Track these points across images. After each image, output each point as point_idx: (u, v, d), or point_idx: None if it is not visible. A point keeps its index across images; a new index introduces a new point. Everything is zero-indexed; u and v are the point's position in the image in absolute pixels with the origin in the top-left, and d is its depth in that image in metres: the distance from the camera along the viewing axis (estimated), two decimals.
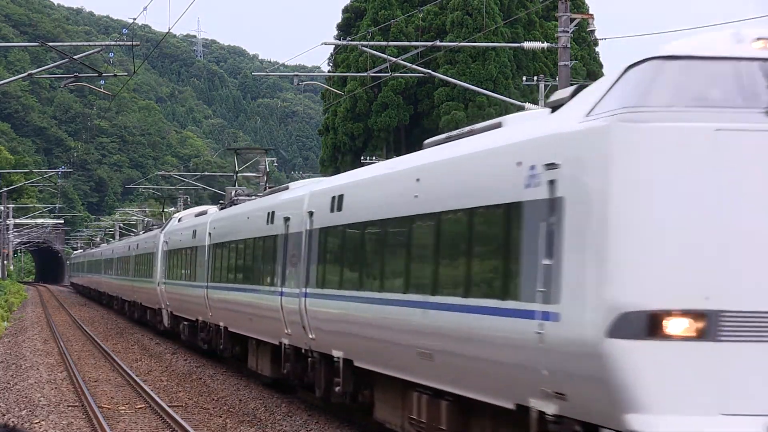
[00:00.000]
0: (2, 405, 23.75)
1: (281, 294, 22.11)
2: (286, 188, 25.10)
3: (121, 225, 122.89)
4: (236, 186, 36.91)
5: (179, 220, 41.11)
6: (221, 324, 29.27)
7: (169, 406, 22.99)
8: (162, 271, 40.65)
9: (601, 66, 77.73)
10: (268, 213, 24.22)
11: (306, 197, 21.28)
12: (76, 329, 51.32)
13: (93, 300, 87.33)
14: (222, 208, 33.10)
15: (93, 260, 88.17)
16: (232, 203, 31.77)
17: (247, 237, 26.19)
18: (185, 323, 35.88)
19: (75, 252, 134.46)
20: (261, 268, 24.38)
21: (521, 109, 36.35)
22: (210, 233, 31.30)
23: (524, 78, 62.75)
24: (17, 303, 74.12)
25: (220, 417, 22.38)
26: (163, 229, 42.86)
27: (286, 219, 22.29)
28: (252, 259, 25.50)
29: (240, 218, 27.88)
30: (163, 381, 29.02)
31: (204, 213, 35.90)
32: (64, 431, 20.55)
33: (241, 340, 27.95)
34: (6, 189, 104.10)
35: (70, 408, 23.44)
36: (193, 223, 35.77)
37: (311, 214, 20.59)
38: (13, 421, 21.35)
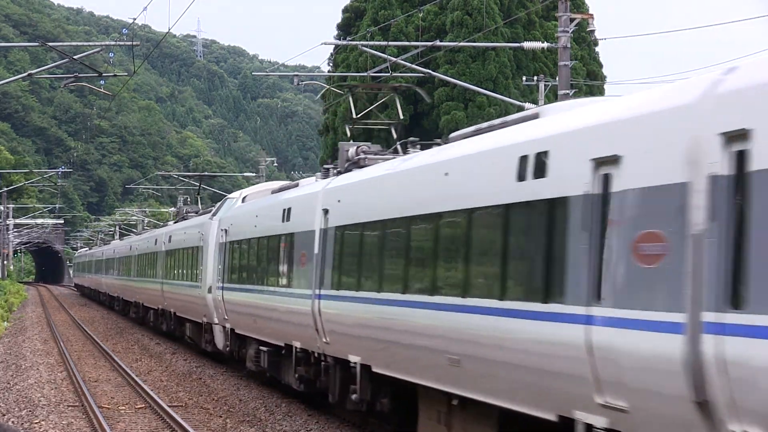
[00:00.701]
0: (2, 405, 23.75)
1: (587, 321, 10.66)
2: (535, 116, 13.42)
3: (121, 225, 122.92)
4: (351, 141, 23.36)
5: (243, 199, 30.03)
6: (356, 361, 17.83)
7: (169, 406, 22.97)
8: (217, 272, 29.47)
9: (601, 66, 77.69)
10: (523, 159, 12.26)
11: (694, 106, 9.54)
12: (76, 329, 51.31)
13: (102, 304, 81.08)
14: (337, 173, 21.14)
15: (103, 259, 77.08)
16: (354, 165, 20.63)
17: (443, 209, 14.26)
18: (261, 348, 24.63)
19: (80, 250, 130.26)
20: (500, 267, 12.58)
21: (521, 109, 36.44)
22: (326, 210, 19.59)
23: (524, 78, 62.72)
24: (17, 303, 74.13)
25: (220, 417, 22.37)
26: (214, 214, 31.75)
27: (604, 162, 10.69)
28: (465, 250, 13.54)
29: (416, 177, 15.64)
30: (163, 381, 29.01)
31: (291, 187, 24.62)
32: (64, 431, 20.54)
33: (406, 391, 16.64)
34: (6, 189, 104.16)
35: (70, 408, 23.43)
36: (284, 198, 23.43)
37: (738, 137, 8.88)
38: (12, 421, 21.35)
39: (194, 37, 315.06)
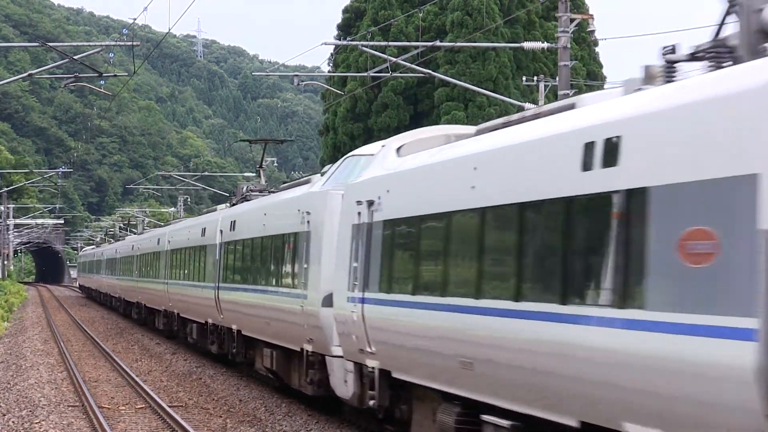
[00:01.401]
0: (2, 405, 23.75)
1: None
2: None
3: (122, 225, 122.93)
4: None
5: (399, 151, 17.41)
6: None
7: (169, 406, 22.98)
8: (349, 273, 17.55)
9: (601, 66, 77.75)
10: None
11: None
12: (76, 329, 51.31)
13: (114, 309, 67.40)
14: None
15: (117, 257, 64.16)
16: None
17: None
18: (488, 420, 12.66)
19: (86, 248, 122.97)
20: None
21: (521, 109, 36.46)
22: None
23: (524, 78, 62.79)
24: (17, 303, 74.14)
25: (220, 417, 22.37)
26: (328, 182, 21.04)
27: None
28: None
29: None
30: (163, 381, 29.01)
31: (546, 112, 12.59)
32: (64, 431, 20.55)
33: None
34: (6, 189, 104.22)
35: (70, 408, 23.43)
36: (578, 126, 10.94)
37: None
38: (13, 421, 21.38)
39: (194, 37, 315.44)
